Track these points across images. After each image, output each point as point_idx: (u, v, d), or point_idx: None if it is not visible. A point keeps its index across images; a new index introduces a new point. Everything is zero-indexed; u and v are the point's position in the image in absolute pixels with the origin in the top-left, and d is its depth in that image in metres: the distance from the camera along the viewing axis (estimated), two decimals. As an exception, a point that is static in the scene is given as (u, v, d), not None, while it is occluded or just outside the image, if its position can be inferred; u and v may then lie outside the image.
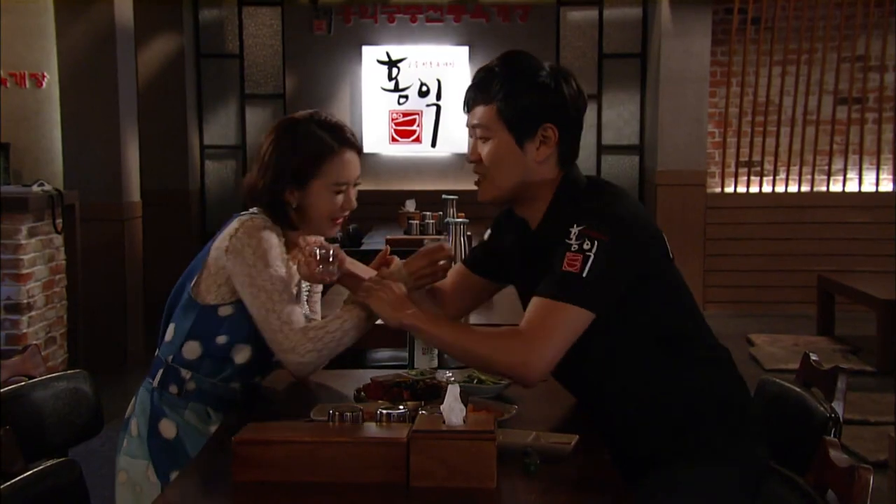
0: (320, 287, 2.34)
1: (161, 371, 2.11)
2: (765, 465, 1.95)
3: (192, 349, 2.08)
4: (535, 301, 1.85)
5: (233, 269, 2.00)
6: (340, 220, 2.16)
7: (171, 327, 2.12)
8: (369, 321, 2.04)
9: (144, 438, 2.08)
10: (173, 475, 2.00)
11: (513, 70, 1.97)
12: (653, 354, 1.93)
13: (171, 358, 2.10)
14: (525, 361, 1.80)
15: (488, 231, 2.23)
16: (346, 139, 2.12)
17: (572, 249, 1.83)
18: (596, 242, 1.82)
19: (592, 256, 1.81)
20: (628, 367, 1.93)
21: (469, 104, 2.01)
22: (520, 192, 1.99)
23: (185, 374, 2.09)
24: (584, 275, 1.81)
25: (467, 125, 2.03)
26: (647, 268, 1.91)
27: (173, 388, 2.09)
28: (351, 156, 2.12)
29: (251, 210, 2.13)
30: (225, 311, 2.06)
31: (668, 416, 1.93)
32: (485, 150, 1.99)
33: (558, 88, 1.95)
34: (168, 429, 2.08)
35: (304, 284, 2.26)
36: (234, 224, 2.05)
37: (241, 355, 2.09)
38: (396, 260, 2.18)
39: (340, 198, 2.12)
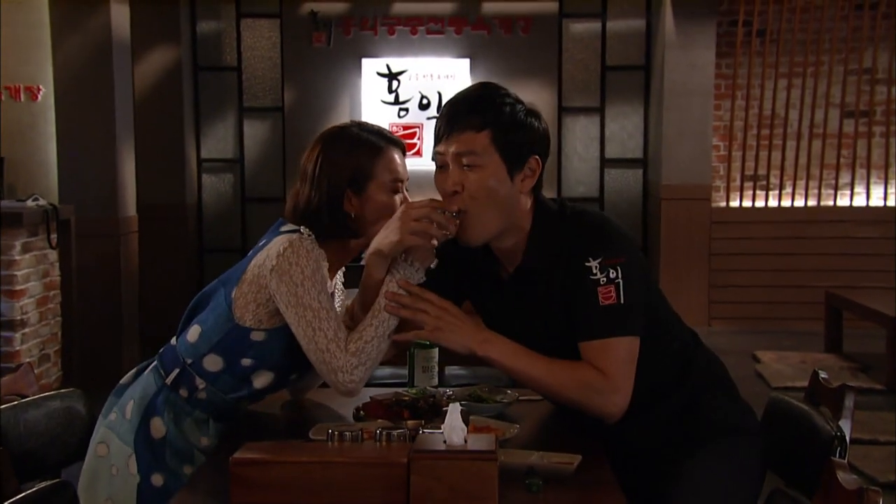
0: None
1: (177, 371, 2.09)
2: (764, 438, 2.12)
3: (214, 362, 2.07)
4: (594, 345, 1.92)
5: (277, 288, 1.98)
6: None
7: (197, 330, 2.08)
8: (396, 319, 2.01)
9: (134, 427, 2.07)
10: (153, 477, 2.01)
11: (501, 98, 1.98)
12: (657, 346, 2.04)
13: (190, 361, 2.08)
14: (614, 402, 1.92)
15: (435, 261, 2.09)
16: (391, 139, 2.16)
17: (602, 283, 1.91)
18: (619, 268, 1.91)
19: (621, 282, 1.91)
20: (641, 363, 1.99)
21: (451, 130, 1.97)
22: (502, 226, 1.99)
23: (200, 383, 2.08)
24: (623, 301, 1.91)
25: (445, 153, 1.98)
26: (649, 282, 2.04)
27: (183, 392, 2.08)
28: (399, 154, 2.15)
29: (299, 228, 2.08)
30: (257, 336, 2.04)
31: (681, 394, 2.08)
32: (471, 179, 1.95)
33: (540, 122, 2.01)
34: (158, 428, 2.07)
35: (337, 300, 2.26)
36: (281, 242, 2.01)
37: (261, 380, 2.09)
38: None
39: (398, 197, 2.12)
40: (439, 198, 2.01)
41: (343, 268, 2.28)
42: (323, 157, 2.10)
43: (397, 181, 2.12)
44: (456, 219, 1.96)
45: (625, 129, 8.47)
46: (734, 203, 8.22)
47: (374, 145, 2.11)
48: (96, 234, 5.98)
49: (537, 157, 1.99)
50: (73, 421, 2.27)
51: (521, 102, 2.01)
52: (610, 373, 1.91)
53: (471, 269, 2.12)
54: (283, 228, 2.10)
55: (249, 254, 2.11)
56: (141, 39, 7.41)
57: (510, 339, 1.98)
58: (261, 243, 2.11)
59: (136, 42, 6.96)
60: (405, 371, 2.47)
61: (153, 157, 7.71)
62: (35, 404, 2.21)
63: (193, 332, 2.09)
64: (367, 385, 2.13)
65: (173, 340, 2.14)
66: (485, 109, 1.96)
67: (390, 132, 2.19)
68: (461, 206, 1.96)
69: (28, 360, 5.04)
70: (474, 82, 2.10)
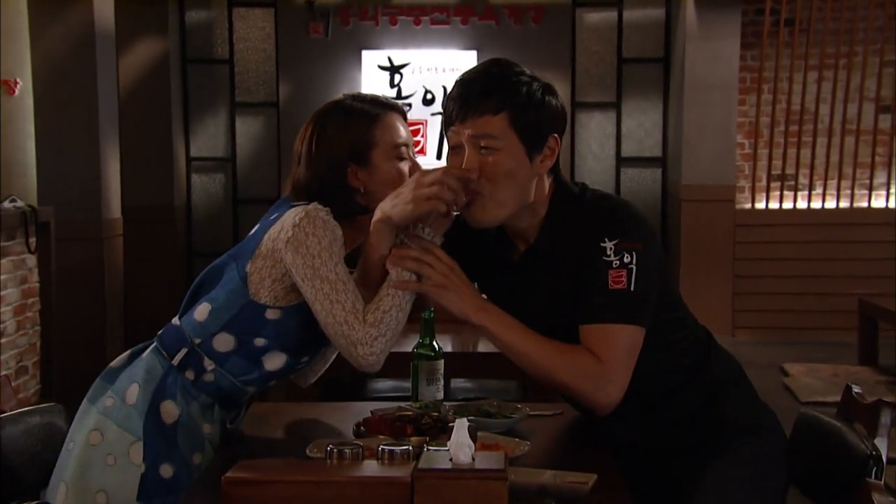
0: None
1: (184, 351, 2.08)
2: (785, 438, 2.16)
3: (225, 342, 2.07)
4: (594, 328, 1.94)
5: (293, 260, 1.99)
6: None
7: (206, 308, 2.08)
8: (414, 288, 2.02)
9: (142, 413, 2.04)
10: (162, 467, 2.00)
11: (517, 75, 2.01)
12: (668, 337, 2.08)
13: (199, 342, 2.08)
14: (607, 392, 1.93)
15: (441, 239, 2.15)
16: (389, 104, 2.17)
17: (614, 266, 1.93)
18: (634, 253, 1.94)
19: (635, 268, 1.93)
20: (652, 359, 2.03)
21: (465, 113, 1.99)
22: (519, 206, 2.03)
23: (209, 364, 2.08)
24: (633, 288, 1.93)
25: (461, 136, 2.00)
26: (662, 273, 2.06)
27: (190, 374, 2.08)
28: (397, 117, 2.16)
29: (311, 202, 2.08)
30: (273, 314, 2.05)
31: (697, 392, 2.11)
32: (489, 162, 1.99)
33: (557, 99, 2.05)
34: (170, 413, 2.05)
35: None
36: (296, 212, 2.02)
37: (273, 362, 2.09)
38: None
39: (406, 164, 2.13)
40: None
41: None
42: (318, 134, 2.11)
43: (401, 146, 2.13)
44: (471, 185, 1.98)
45: (642, 125, 8.47)
46: (760, 205, 8.21)
47: (370, 113, 2.12)
48: (78, 238, 5.99)
49: (556, 135, 2.03)
50: (53, 438, 2.26)
51: (537, 79, 2.03)
52: (607, 360, 1.92)
53: (479, 250, 2.15)
54: (296, 203, 2.09)
55: (259, 226, 2.11)
56: (126, 29, 7.43)
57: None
58: (272, 216, 2.11)
59: (121, 32, 6.97)
60: (408, 384, 2.47)
61: (139, 156, 7.73)
62: (12, 420, 2.21)
63: (202, 310, 2.09)
64: (369, 399, 2.14)
65: (175, 320, 2.13)
66: (501, 90, 1.98)
67: (387, 97, 2.20)
68: (477, 189, 1.99)
69: (5, 372, 5.05)
70: (483, 60, 2.10)
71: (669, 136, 8.37)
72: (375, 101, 2.16)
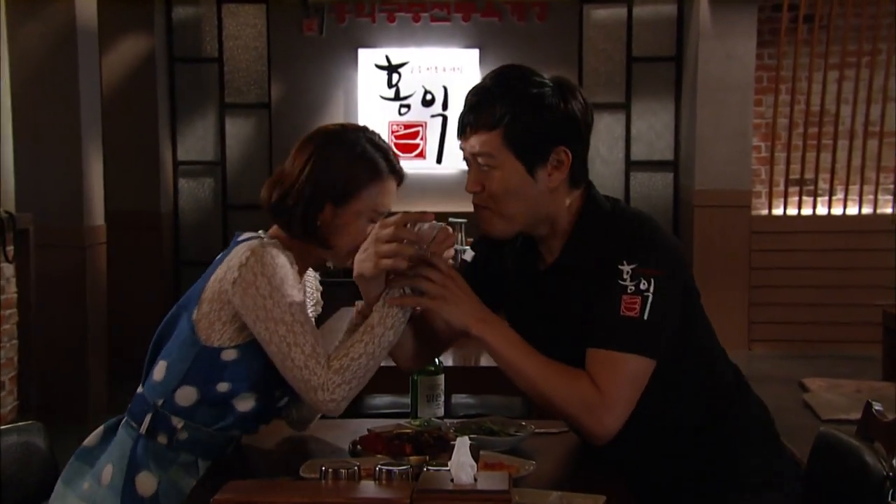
0: (318, 309, 2.36)
1: (149, 416, 2.10)
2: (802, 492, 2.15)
3: (186, 395, 2.08)
4: (599, 354, 1.94)
5: (242, 302, 2.00)
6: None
7: (163, 366, 2.11)
8: (395, 335, 2.03)
9: (118, 491, 2.06)
10: None
11: (514, 89, 2.01)
12: (691, 381, 2.08)
13: (161, 402, 2.09)
14: (603, 422, 1.93)
15: (469, 251, 2.23)
16: (396, 168, 2.18)
17: (629, 291, 1.92)
18: (652, 280, 1.93)
19: (651, 297, 1.92)
20: (669, 396, 2.03)
21: (464, 130, 2.04)
22: (531, 221, 2.05)
23: (177, 422, 2.09)
24: (645, 318, 1.92)
25: (464, 153, 2.06)
26: (687, 306, 2.04)
27: (162, 438, 2.09)
28: (394, 185, 2.19)
29: (258, 233, 2.14)
30: (229, 355, 2.06)
31: (713, 439, 2.09)
32: (489, 180, 2.02)
33: (567, 105, 2.01)
34: (147, 484, 2.07)
35: (309, 304, 2.28)
36: (241, 252, 2.04)
37: (244, 404, 2.10)
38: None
39: (370, 227, 2.14)
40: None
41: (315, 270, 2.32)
42: (317, 158, 2.12)
43: (379, 213, 2.15)
44: (436, 228, 2.01)
45: (653, 127, 8.48)
46: (777, 211, 8.21)
47: (377, 168, 2.14)
48: (59, 246, 5.99)
49: (564, 147, 2.01)
50: (31, 458, 2.26)
51: (547, 84, 2.02)
52: (607, 389, 1.92)
53: (512, 254, 2.17)
54: (242, 237, 2.13)
55: (207, 270, 2.13)
56: (109, 26, 7.43)
57: (523, 335, 2.01)
58: (218, 258, 2.14)
59: (104, 29, 6.98)
60: (407, 400, 2.47)
61: (123, 160, 7.73)
62: (-11, 438, 2.21)
63: (160, 369, 2.11)
64: (365, 416, 2.14)
65: (140, 388, 2.16)
66: (497, 105, 1.99)
67: (397, 158, 2.21)
68: (481, 203, 2.04)
69: (-18, 387, 5.05)
70: (500, 66, 2.12)
71: (682, 138, 8.38)
72: (387, 157, 2.17)
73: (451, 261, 2.07)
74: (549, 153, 2.01)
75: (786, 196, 8.20)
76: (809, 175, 8.18)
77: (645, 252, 1.95)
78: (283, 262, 2.03)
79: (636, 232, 2.00)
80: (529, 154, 2.00)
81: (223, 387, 2.07)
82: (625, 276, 1.93)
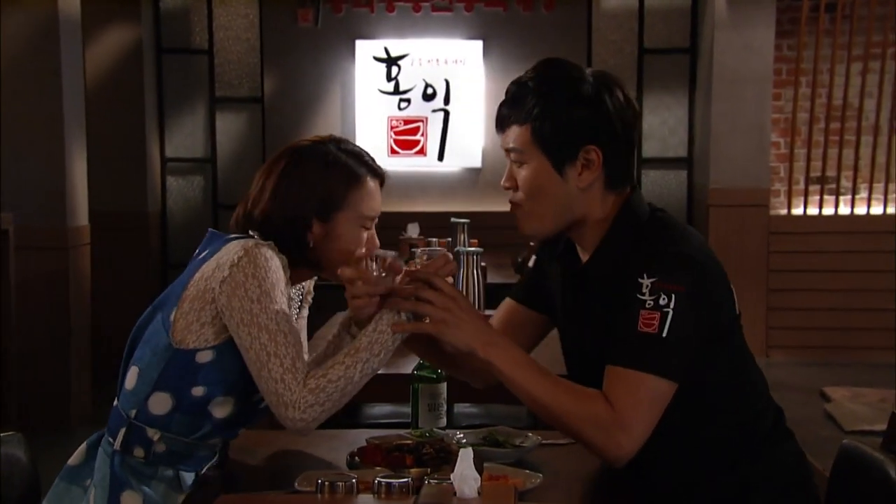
0: (305, 313, 2.37)
1: (123, 430, 2.10)
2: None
3: (160, 402, 2.08)
4: (616, 371, 1.93)
5: (228, 303, 2.01)
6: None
7: (134, 372, 2.11)
8: (380, 362, 2.04)
9: None
10: None
11: (548, 83, 2.04)
12: (714, 415, 2.05)
13: (134, 413, 2.09)
14: (619, 442, 1.91)
15: (533, 257, 2.31)
16: (373, 168, 2.22)
17: (647, 307, 1.92)
18: (673, 296, 1.92)
19: (671, 313, 1.91)
20: (687, 428, 2.01)
21: (502, 124, 2.10)
22: (563, 222, 2.08)
23: (153, 433, 2.09)
24: (664, 335, 1.91)
25: (502, 147, 2.11)
26: (716, 328, 2.01)
27: (139, 452, 2.09)
28: (376, 185, 2.22)
29: (250, 233, 2.15)
30: (204, 356, 2.06)
31: (732, 483, 2.05)
32: (520, 175, 2.07)
33: (600, 101, 2.03)
34: (131, 501, 2.06)
35: (293, 312, 2.28)
36: (234, 250, 2.04)
37: (222, 409, 2.10)
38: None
39: (365, 235, 2.19)
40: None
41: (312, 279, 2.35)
42: (293, 173, 2.14)
43: (369, 217, 2.19)
44: (398, 260, 2.07)
45: (666, 123, 8.48)
46: (797, 210, 8.21)
47: (353, 172, 2.17)
48: (40, 247, 5.99)
49: (595, 147, 2.03)
50: (11, 471, 2.25)
51: (585, 79, 2.04)
52: (622, 408, 1.91)
53: (557, 260, 2.21)
54: (232, 236, 2.14)
55: (188, 268, 2.14)
56: (94, 16, 7.44)
57: (562, 336, 2.06)
58: (202, 254, 2.14)
59: (88, 19, 6.98)
60: (407, 409, 2.47)
61: (108, 157, 7.73)
62: (-35, 451, 2.20)
63: (131, 377, 2.11)
64: (364, 426, 2.15)
65: (115, 401, 2.16)
66: (530, 99, 2.03)
67: (373, 158, 2.24)
68: (514, 200, 2.09)
69: (-41, 396, 5.05)
70: (543, 59, 2.14)
71: (696, 134, 8.38)
72: (361, 160, 2.20)
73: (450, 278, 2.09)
74: (577, 151, 2.03)
75: (806, 195, 8.19)
76: (831, 173, 8.18)
77: (667, 266, 1.94)
78: (276, 266, 2.04)
79: (662, 245, 1.99)
80: (557, 151, 2.03)
81: (198, 391, 2.07)
82: (644, 291, 1.92)
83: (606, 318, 2.00)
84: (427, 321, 2.02)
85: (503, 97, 2.11)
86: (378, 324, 2.03)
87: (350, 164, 2.16)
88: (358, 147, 2.24)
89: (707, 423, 2.05)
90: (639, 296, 1.92)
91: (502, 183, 2.12)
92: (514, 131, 2.06)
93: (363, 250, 2.16)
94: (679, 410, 1.96)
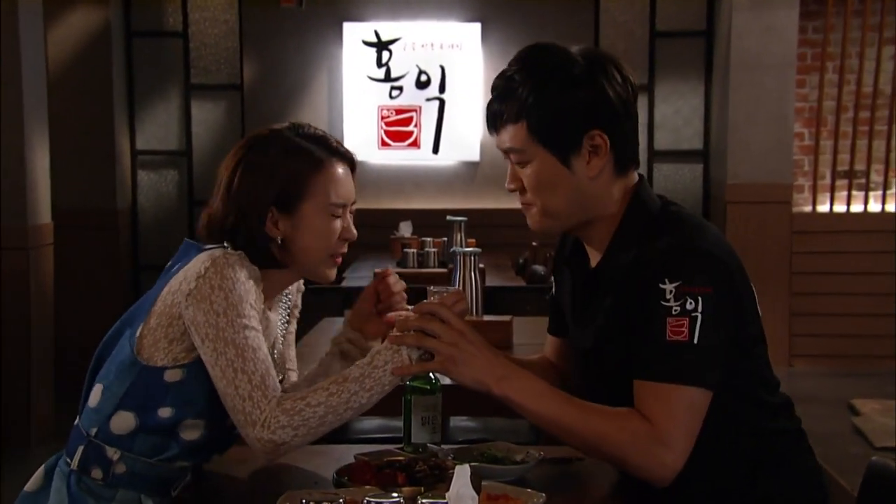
0: (293, 328, 2.38)
1: (81, 448, 2.10)
2: None
3: (123, 422, 2.08)
4: (648, 386, 1.94)
5: (194, 317, 2.01)
6: (340, 257, 2.23)
7: (98, 390, 2.11)
8: (369, 400, 2.04)
9: None
10: None
11: (537, 71, 2.05)
12: (727, 425, 2.04)
13: (94, 431, 2.10)
14: (663, 460, 1.91)
15: (552, 277, 2.33)
16: (337, 150, 2.21)
17: (674, 313, 1.92)
18: (700, 299, 1.93)
19: (700, 317, 1.92)
20: (703, 451, 1.99)
21: (495, 123, 2.10)
22: (577, 218, 2.10)
23: (112, 453, 2.09)
24: (696, 341, 1.91)
25: (498, 148, 2.12)
26: (742, 330, 2.03)
27: (97, 472, 2.09)
28: (344, 170, 2.21)
29: (223, 244, 2.15)
30: (172, 375, 2.06)
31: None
32: (525, 175, 2.08)
33: (595, 81, 2.03)
34: None
35: (279, 328, 2.29)
36: (202, 261, 2.06)
37: (191, 432, 2.10)
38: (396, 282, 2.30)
39: (338, 224, 2.18)
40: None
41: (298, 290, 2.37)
42: (245, 165, 2.15)
43: (338, 204, 2.17)
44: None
45: (680, 112, 8.48)
46: (823, 207, 8.21)
47: (313, 156, 2.16)
48: None
49: (600, 130, 2.04)
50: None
51: (574, 61, 2.04)
52: (660, 423, 1.92)
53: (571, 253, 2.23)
54: (205, 247, 2.15)
55: (159, 281, 2.15)
56: (58, -3, 7.44)
57: (532, 378, 2.03)
58: (174, 267, 2.15)
59: (51, 0, 6.97)
60: (399, 423, 2.47)
61: (74, 149, 7.73)
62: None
63: (95, 394, 2.12)
64: (352, 441, 2.15)
65: (77, 419, 2.16)
66: (519, 91, 2.04)
67: (338, 141, 2.24)
68: (523, 201, 2.11)
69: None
70: (525, 46, 2.16)
71: (712, 125, 8.39)
72: (323, 143, 2.20)
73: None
74: (581, 139, 2.04)
75: (832, 190, 8.20)
76: (860, 166, 8.18)
77: (689, 266, 1.95)
78: (244, 278, 2.05)
79: (680, 243, 1.99)
80: (559, 142, 2.03)
81: (165, 412, 2.07)
82: (668, 297, 1.93)
83: (621, 323, 2.01)
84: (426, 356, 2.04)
85: (491, 95, 2.11)
86: (375, 358, 2.04)
87: (311, 149, 2.16)
88: (320, 131, 2.23)
89: (727, 434, 2.05)
90: (663, 303, 1.93)
91: (507, 185, 2.12)
92: (509, 130, 2.06)
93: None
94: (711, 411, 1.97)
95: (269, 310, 2.24)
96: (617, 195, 2.10)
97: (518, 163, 2.08)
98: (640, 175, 2.15)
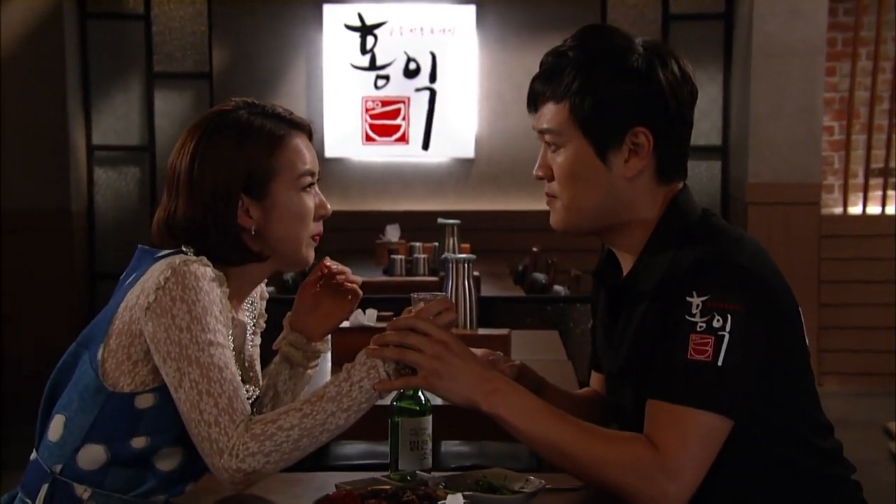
0: (258, 340, 2.39)
1: (46, 487, 2.10)
2: None
3: (92, 456, 2.08)
4: (660, 407, 1.94)
5: (154, 333, 2.02)
6: (319, 236, 2.25)
7: (60, 421, 2.11)
8: (347, 420, 2.05)
9: None
10: None
11: (591, 53, 2.07)
12: (762, 475, 2.04)
13: (59, 468, 2.09)
14: (665, 490, 1.90)
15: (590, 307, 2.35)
16: (295, 122, 2.24)
17: (699, 330, 1.92)
18: (729, 317, 1.92)
19: (727, 336, 1.91)
20: (728, 487, 2.01)
21: (535, 101, 2.13)
22: (606, 219, 2.11)
23: (82, 491, 2.08)
24: (720, 363, 1.90)
25: (534, 128, 2.14)
26: (780, 356, 2.01)
27: None
28: (304, 140, 2.24)
29: (181, 248, 2.16)
30: (144, 401, 2.07)
31: None
32: (556, 162, 2.10)
33: (652, 75, 2.06)
34: None
35: (248, 340, 2.31)
36: (160, 270, 2.05)
37: (169, 461, 2.11)
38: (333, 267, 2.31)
39: (311, 201, 2.20)
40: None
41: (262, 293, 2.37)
42: (204, 154, 2.15)
43: (306, 174, 2.20)
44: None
45: (697, 104, 8.48)
46: (855, 209, 8.22)
47: (273, 133, 2.18)
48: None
49: (646, 128, 2.06)
50: None
51: (634, 50, 2.08)
52: (669, 450, 1.91)
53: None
54: (161, 254, 2.15)
55: (115, 295, 2.15)
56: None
57: (528, 395, 2.03)
58: (130, 277, 2.15)
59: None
60: (385, 447, 2.48)
61: (22, 144, 7.72)
62: None
63: (56, 426, 2.11)
64: (332, 468, 2.15)
65: (34, 453, 2.16)
66: (568, 71, 2.07)
67: (291, 112, 2.26)
68: (549, 192, 2.14)
69: None
70: (585, 25, 2.19)
71: (732, 117, 8.40)
72: (278, 117, 2.22)
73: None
74: (624, 133, 2.06)
75: (865, 190, 8.21)
76: None
77: (721, 281, 1.95)
78: (210, 288, 2.05)
79: (713, 256, 2.00)
80: (599, 133, 2.06)
81: (139, 442, 2.08)
82: (694, 311, 1.93)
83: (651, 341, 2.02)
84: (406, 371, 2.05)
85: (538, 70, 2.13)
86: (351, 373, 2.04)
87: (268, 127, 2.18)
88: (273, 104, 2.25)
89: (758, 471, 2.04)
90: (688, 317, 1.93)
91: (535, 172, 2.15)
92: (550, 109, 2.09)
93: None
94: (726, 454, 1.96)
95: (237, 313, 2.25)
96: (655, 201, 2.12)
97: (552, 145, 2.10)
98: (684, 183, 2.17)
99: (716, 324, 1.91)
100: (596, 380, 2.40)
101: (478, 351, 2.17)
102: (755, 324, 1.94)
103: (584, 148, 2.07)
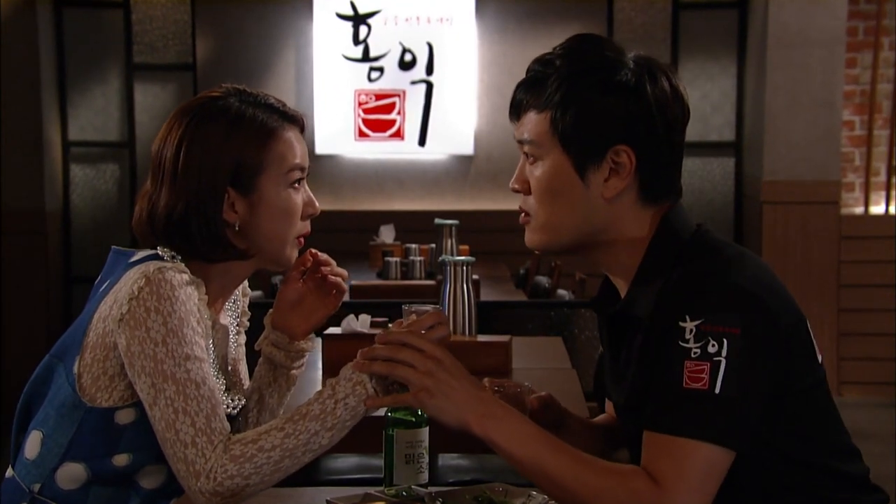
0: (243, 339, 2.39)
1: None
2: None
3: (72, 475, 2.08)
4: (657, 439, 1.92)
5: (128, 347, 2.01)
6: (305, 236, 2.25)
7: (36, 438, 2.11)
8: (331, 439, 2.04)
9: None
10: None
11: (578, 64, 2.05)
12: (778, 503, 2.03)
13: (38, 487, 2.10)
14: None
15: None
16: (287, 114, 2.23)
17: (693, 356, 1.90)
18: (725, 341, 1.89)
19: (724, 362, 1.89)
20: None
21: (518, 110, 2.11)
22: (585, 239, 2.09)
23: None
24: (717, 391, 1.88)
25: (515, 138, 2.13)
26: (786, 380, 1.99)
27: None
28: (297, 134, 2.24)
29: (156, 251, 2.16)
30: (125, 416, 2.07)
31: None
32: (533, 175, 2.08)
33: (640, 91, 2.04)
34: None
35: (231, 342, 2.31)
36: (133, 279, 2.05)
37: (153, 479, 2.11)
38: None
39: (299, 198, 2.20)
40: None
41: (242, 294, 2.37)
42: (191, 142, 2.15)
43: (296, 169, 2.20)
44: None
45: (708, 97, 8.50)
46: (877, 209, 8.22)
47: (265, 125, 2.18)
48: None
49: (628, 147, 2.04)
50: None
51: (623, 62, 2.06)
52: (667, 483, 1.89)
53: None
54: (135, 258, 2.15)
55: (89, 304, 2.15)
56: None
57: (523, 420, 2.02)
58: (102, 286, 2.15)
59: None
60: (379, 461, 2.49)
61: (-5, 140, 7.73)
62: None
63: (32, 443, 2.11)
64: (323, 483, 2.16)
65: (8, 471, 2.16)
66: (552, 80, 2.05)
67: (282, 102, 2.26)
68: (523, 207, 2.12)
69: None
70: (575, 34, 2.18)
71: (746, 112, 8.41)
72: (271, 108, 2.22)
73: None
74: (605, 151, 2.04)
75: (888, 189, 8.21)
76: (919, 161, 8.21)
77: (715, 303, 1.92)
78: (186, 297, 2.05)
79: (705, 276, 1.98)
80: (579, 147, 2.03)
81: (121, 459, 2.08)
82: (687, 337, 1.90)
83: (640, 373, 2.01)
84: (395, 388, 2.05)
85: (524, 75, 2.12)
86: (336, 390, 2.03)
87: (260, 118, 2.17)
88: (265, 94, 2.24)
89: (774, 502, 2.03)
90: (681, 343, 1.90)
91: (511, 184, 2.13)
92: (531, 119, 2.07)
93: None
94: (733, 487, 1.96)
95: (219, 316, 2.25)
96: (641, 222, 2.09)
97: (530, 157, 2.08)
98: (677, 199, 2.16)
99: (711, 349, 1.89)
100: (610, 406, 2.39)
101: (505, 382, 2.19)
102: (754, 348, 1.91)
103: (563, 163, 2.04)
